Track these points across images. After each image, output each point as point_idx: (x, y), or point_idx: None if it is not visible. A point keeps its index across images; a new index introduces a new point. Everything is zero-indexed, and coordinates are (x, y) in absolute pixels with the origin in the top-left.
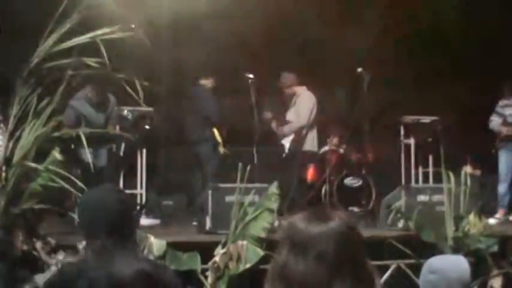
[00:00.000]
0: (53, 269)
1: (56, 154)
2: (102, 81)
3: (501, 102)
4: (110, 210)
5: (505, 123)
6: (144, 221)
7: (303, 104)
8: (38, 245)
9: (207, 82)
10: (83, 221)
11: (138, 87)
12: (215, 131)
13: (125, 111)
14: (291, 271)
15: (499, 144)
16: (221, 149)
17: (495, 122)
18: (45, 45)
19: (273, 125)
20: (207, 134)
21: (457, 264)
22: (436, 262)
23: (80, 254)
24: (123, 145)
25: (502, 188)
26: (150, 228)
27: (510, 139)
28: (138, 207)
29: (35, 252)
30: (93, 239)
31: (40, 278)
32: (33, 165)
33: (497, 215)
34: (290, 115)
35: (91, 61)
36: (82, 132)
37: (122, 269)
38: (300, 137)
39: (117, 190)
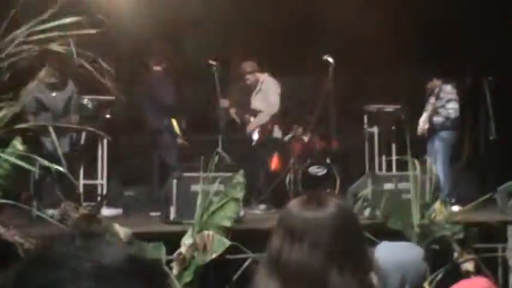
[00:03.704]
0: None
1: (17, 144)
2: (58, 63)
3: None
4: None
5: None
6: (106, 211)
7: (270, 90)
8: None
9: (158, 67)
10: None
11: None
12: (173, 121)
13: (85, 100)
14: (286, 259)
15: None
16: (179, 140)
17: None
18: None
19: (232, 112)
20: (166, 123)
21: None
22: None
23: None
24: (83, 134)
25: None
26: (112, 219)
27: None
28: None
29: None
30: None
31: None
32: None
33: None
34: (257, 102)
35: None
36: (44, 121)
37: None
38: (271, 125)
39: None
